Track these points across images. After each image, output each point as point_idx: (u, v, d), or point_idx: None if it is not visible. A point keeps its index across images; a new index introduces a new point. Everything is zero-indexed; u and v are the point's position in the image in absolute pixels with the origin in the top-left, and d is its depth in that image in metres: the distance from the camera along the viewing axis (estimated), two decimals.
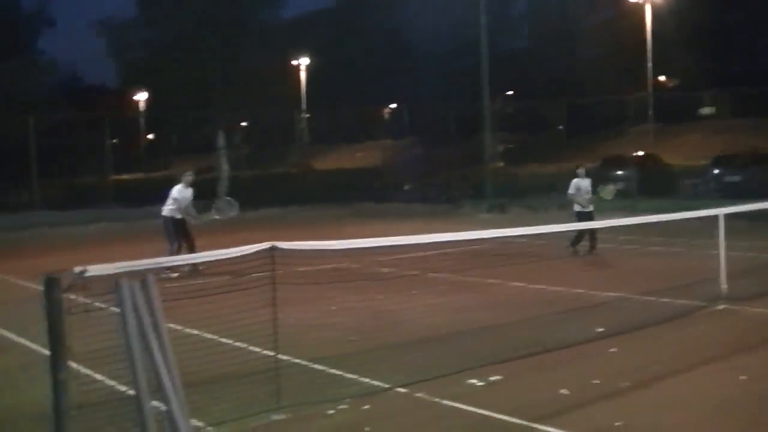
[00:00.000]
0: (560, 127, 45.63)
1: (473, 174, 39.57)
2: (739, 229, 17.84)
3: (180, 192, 18.94)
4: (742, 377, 9.08)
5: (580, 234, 18.85)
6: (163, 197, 19.20)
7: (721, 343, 10.75)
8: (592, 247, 19.50)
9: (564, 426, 7.56)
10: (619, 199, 32.27)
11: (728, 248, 13.99)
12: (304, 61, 63.67)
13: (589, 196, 19.73)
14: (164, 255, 14.15)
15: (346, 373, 9.41)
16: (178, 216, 18.77)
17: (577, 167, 20.34)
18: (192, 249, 18.12)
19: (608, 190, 19.98)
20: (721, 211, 14.00)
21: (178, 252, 18.00)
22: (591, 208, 19.75)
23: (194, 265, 16.14)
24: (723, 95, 55.26)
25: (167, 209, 18.93)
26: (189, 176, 19.47)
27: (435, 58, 71.90)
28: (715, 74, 56.07)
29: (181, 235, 18.76)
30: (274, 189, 41.69)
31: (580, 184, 19.88)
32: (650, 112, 43.20)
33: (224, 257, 8.45)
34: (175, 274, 16.82)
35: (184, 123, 40.38)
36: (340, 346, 10.43)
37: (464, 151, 44.81)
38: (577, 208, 19.90)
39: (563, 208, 28.89)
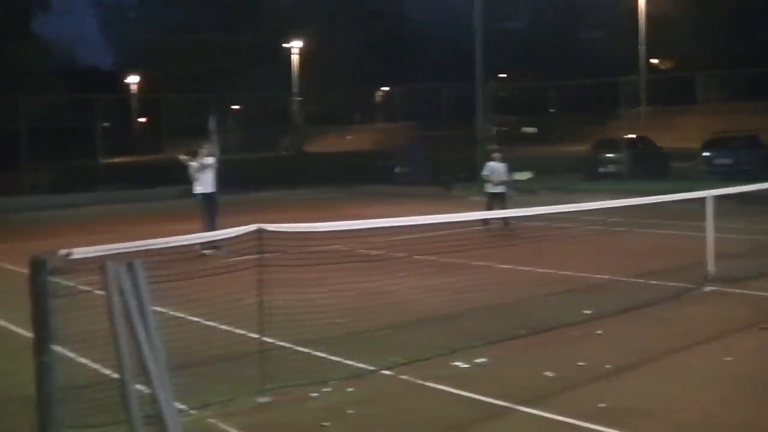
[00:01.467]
0: (551, 110, 45.55)
1: (466, 157, 39.50)
2: (730, 212, 17.86)
3: (205, 165, 18.75)
4: (728, 358, 9.12)
5: (490, 211, 19.65)
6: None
7: (707, 326, 10.79)
8: (506, 223, 20.57)
9: (548, 408, 7.59)
10: (611, 181, 32.49)
11: (718, 230, 14.01)
12: (297, 45, 63.54)
13: (502, 178, 21.18)
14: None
15: (331, 355, 9.43)
16: (209, 190, 18.67)
17: (493, 152, 22.08)
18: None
19: (524, 174, 22.03)
20: (710, 193, 13.99)
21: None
22: (502, 189, 21.28)
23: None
24: (716, 78, 55.17)
25: (197, 187, 18.76)
26: (206, 149, 19.27)
27: (430, 40, 71.74)
28: (709, 56, 56.04)
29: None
30: (267, 173, 41.67)
31: (495, 167, 21.38)
32: (642, 95, 43.17)
33: (210, 239, 8.42)
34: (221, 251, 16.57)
35: (178, 106, 40.24)
36: (327, 328, 10.41)
37: (458, 134, 44.74)
38: (489, 188, 21.43)
39: (554, 190, 29.05)
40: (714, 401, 7.81)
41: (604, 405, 7.64)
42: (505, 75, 64.54)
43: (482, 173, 21.63)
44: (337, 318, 10.90)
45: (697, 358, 9.24)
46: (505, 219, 20.14)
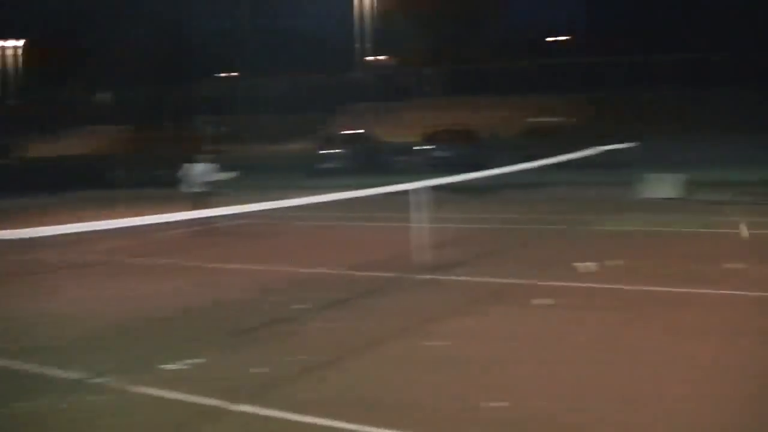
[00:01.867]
0: (275, 107, 45.62)
1: (183, 158, 39.08)
2: (446, 202, 18.48)
3: None
4: (435, 343, 9.39)
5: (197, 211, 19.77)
6: None
7: (418, 312, 11.10)
8: (210, 222, 20.25)
9: (262, 403, 7.57)
10: (331, 177, 32.95)
11: (433, 220, 14.45)
12: (15, 44, 60.74)
13: (205, 179, 21.22)
14: None
15: (36, 368, 8.99)
16: None
17: (198, 154, 22.27)
18: None
19: (228, 174, 21.79)
20: (420, 184, 14.36)
21: None
22: (205, 189, 21.10)
23: None
24: (438, 74, 57.15)
25: None
26: None
27: (141, 42, 70.52)
28: (432, 53, 58.03)
29: None
30: None
31: (197, 167, 21.41)
32: (364, 92, 44.29)
33: None
34: None
35: None
36: (31, 339, 9.99)
37: (178, 135, 44.22)
38: (191, 188, 21.23)
39: (272, 189, 29.15)
40: (427, 384, 8.02)
41: (319, 396, 7.69)
42: (225, 74, 64.34)
43: (182, 174, 21.41)
44: (43, 328, 10.49)
45: (406, 345, 9.47)
46: (209, 218, 19.93)
